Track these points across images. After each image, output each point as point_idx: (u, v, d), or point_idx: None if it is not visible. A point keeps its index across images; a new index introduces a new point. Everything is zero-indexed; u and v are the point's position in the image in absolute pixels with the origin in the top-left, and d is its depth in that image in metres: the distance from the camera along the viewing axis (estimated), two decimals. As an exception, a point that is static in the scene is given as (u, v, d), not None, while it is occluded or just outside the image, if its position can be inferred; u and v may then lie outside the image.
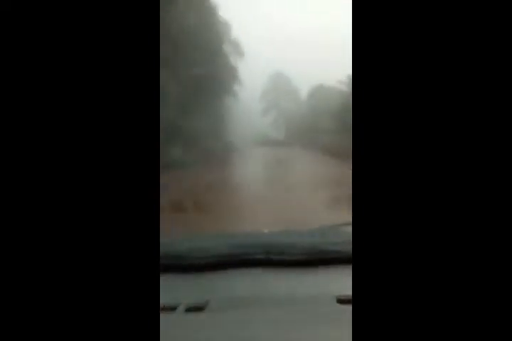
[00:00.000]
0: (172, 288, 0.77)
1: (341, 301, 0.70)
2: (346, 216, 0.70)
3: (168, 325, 0.59)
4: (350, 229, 0.53)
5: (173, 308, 0.70)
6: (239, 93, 23.70)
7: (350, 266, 0.49)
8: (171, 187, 6.05)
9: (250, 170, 13.56)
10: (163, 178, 0.89)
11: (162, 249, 0.57)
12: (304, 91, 34.07)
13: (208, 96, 17.36)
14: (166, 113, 9.51)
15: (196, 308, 0.70)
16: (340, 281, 0.71)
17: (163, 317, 0.52)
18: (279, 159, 16.72)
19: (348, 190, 0.55)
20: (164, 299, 0.59)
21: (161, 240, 0.56)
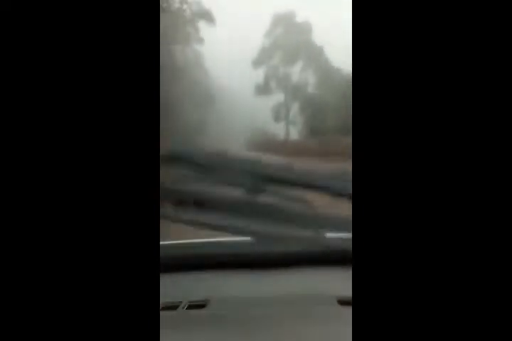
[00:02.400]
0: (172, 288, 0.79)
1: (342, 302, 0.71)
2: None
3: (169, 323, 0.62)
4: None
5: (173, 308, 0.72)
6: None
7: (350, 267, 0.50)
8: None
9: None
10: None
11: (162, 250, 0.59)
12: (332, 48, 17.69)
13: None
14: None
15: (197, 306, 0.73)
16: (341, 282, 0.72)
17: (164, 316, 0.54)
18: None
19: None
20: (165, 298, 0.62)
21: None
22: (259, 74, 19.48)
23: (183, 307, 0.72)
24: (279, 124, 19.99)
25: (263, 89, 19.68)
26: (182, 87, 14.36)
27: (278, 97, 19.66)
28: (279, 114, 19.93)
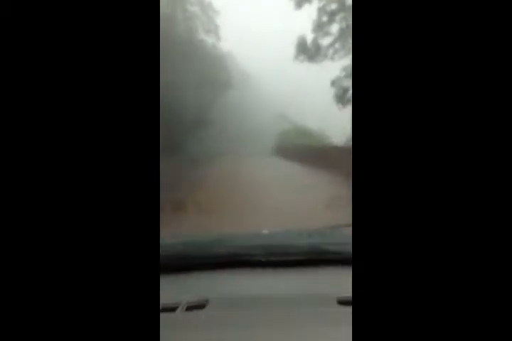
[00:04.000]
0: (172, 288, 0.78)
1: (342, 302, 0.72)
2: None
3: (168, 324, 0.62)
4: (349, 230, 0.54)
5: (173, 308, 0.72)
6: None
7: (350, 267, 0.51)
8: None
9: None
10: None
11: (162, 250, 0.59)
12: None
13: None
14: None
15: (196, 307, 0.73)
16: (341, 282, 0.72)
17: (163, 317, 0.55)
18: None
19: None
20: (164, 299, 0.62)
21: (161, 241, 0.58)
22: (300, 24, 11.01)
23: (182, 309, 0.72)
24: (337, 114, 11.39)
25: (311, 55, 11.14)
26: (183, 57, 9.99)
27: (331, 70, 10.95)
28: (341, 98, 11.21)
